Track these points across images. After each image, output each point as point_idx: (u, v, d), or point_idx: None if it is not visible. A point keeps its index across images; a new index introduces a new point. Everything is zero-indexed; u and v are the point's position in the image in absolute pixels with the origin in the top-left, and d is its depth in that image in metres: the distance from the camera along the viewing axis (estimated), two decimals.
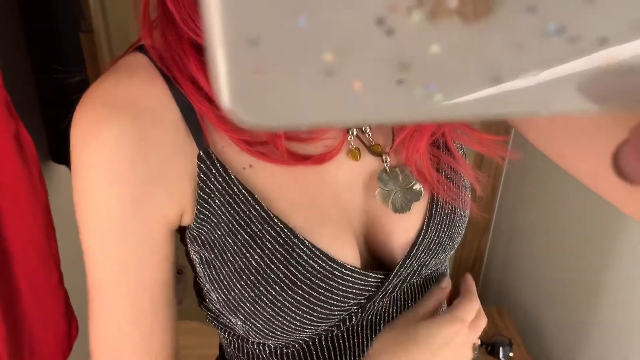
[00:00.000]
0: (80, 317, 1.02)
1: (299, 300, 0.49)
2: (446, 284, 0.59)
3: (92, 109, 0.43)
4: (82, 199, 0.45)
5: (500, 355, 1.55)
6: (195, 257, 0.51)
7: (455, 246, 0.59)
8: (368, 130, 0.52)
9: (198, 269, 0.52)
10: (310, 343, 0.55)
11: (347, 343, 0.56)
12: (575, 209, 1.44)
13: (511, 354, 1.56)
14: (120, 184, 0.43)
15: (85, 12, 1.14)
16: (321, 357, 0.56)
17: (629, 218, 1.12)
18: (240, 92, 0.15)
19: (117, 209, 0.44)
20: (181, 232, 0.51)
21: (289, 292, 0.48)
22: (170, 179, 0.45)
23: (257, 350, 0.57)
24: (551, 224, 1.59)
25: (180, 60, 0.43)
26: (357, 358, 0.57)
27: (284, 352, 0.56)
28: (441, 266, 0.62)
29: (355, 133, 0.51)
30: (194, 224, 0.48)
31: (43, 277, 0.84)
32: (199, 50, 0.43)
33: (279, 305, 0.49)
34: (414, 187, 0.53)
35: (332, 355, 0.56)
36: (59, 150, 1.20)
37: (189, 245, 0.51)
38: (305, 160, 0.48)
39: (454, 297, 0.57)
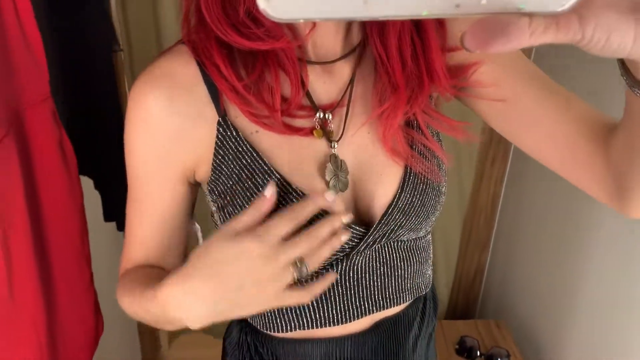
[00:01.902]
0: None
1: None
2: (269, 192, 0.56)
3: (142, 79, 0.60)
4: (126, 144, 0.62)
5: None
6: (214, 206, 0.65)
7: (430, 218, 0.68)
8: (330, 118, 0.63)
9: (216, 215, 0.66)
10: (303, 285, 0.64)
11: (336, 288, 0.67)
12: (574, 226, 1.49)
13: None
14: (149, 138, 0.60)
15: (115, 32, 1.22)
16: (314, 298, 0.66)
17: (629, 234, 1.19)
18: None
19: (145, 157, 0.61)
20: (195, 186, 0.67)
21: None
22: (193, 136, 0.60)
23: None
24: (549, 241, 1.65)
25: (208, 51, 0.58)
26: (342, 304, 0.68)
27: None
28: (419, 235, 0.71)
29: (321, 115, 0.63)
30: (211, 177, 0.63)
31: (76, 275, 0.90)
32: (221, 45, 0.58)
33: None
34: (343, 178, 0.64)
35: (322, 297, 0.67)
36: (83, 163, 1.27)
37: (209, 197, 0.65)
38: (297, 131, 0.61)
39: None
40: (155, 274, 0.66)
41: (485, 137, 1.81)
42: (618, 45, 0.29)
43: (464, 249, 2.06)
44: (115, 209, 1.30)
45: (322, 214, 0.59)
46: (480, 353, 1.66)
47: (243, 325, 0.75)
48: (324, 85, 0.64)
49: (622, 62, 0.39)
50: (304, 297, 0.57)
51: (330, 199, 0.57)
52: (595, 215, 1.37)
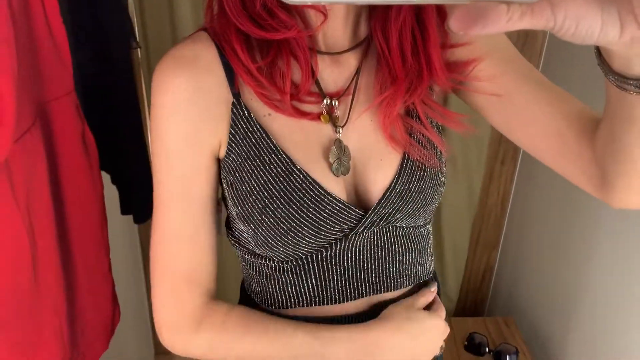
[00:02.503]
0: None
1: (293, 214, 0.64)
2: (434, 288, 0.78)
3: (165, 63, 0.63)
4: (154, 131, 0.64)
5: None
6: (224, 182, 0.68)
7: (428, 205, 0.72)
8: (336, 104, 0.67)
9: (225, 191, 0.69)
10: (304, 261, 0.69)
11: (334, 268, 0.70)
12: (582, 225, 1.50)
13: None
14: (180, 119, 0.62)
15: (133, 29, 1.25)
16: (312, 275, 0.70)
17: (634, 234, 1.20)
18: None
19: (176, 138, 0.63)
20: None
21: (286, 206, 0.64)
22: (214, 118, 0.64)
23: (264, 267, 0.72)
24: (557, 240, 1.66)
25: (227, 37, 0.63)
26: (340, 284, 0.71)
27: (284, 267, 0.70)
28: (417, 224, 0.75)
29: (328, 102, 0.67)
30: (225, 155, 0.66)
31: (95, 264, 0.93)
32: (239, 32, 0.62)
33: (279, 216, 0.64)
34: (346, 162, 0.67)
35: (321, 276, 0.70)
36: (100, 158, 1.29)
37: (222, 174, 0.68)
38: (305, 115, 0.66)
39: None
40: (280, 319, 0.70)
41: (494, 136, 1.82)
42: (586, 32, 0.32)
43: (473, 248, 2.07)
44: (132, 202, 1.33)
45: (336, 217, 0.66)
46: (488, 350, 1.67)
47: (247, 301, 0.79)
48: (332, 75, 0.68)
49: (598, 51, 0.42)
50: None
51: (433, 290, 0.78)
52: (604, 214, 1.38)
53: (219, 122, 0.65)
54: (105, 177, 1.33)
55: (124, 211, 1.32)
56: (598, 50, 0.42)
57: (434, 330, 0.72)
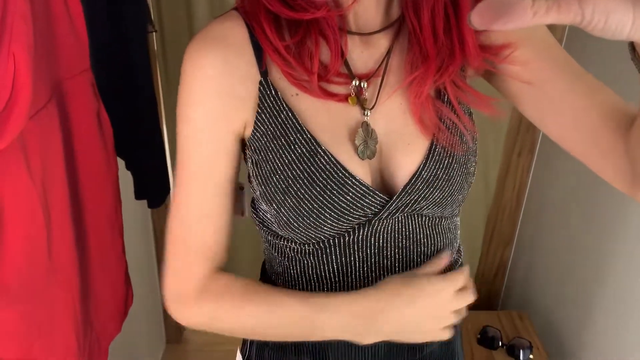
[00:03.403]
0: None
1: (316, 195, 0.63)
2: (446, 255, 0.72)
3: (196, 42, 0.63)
4: (181, 109, 0.64)
5: (521, 357, 1.60)
6: (249, 161, 0.68)
7: (455, 195, 0.70)
8: (365, 86, 0.66)
9: (250, 170, 0.68)
10: (326, 244, 0.68)
11: (356, 254, 0.69)
12: (596, 220, 1.48)
13: (531, 356, 1.60)
14: (208, 97, 0.62)
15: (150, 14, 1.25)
16: (334, 260, 0.69)
17: None
18: None
19: (204, 116, 0.63)
20: (242, 145, 0.68)
21: (309, 187, 0.63)
22: (241, 96, 0.63)
23: (286, 248, 0.71)
24: (574, 235, 1.63)
25: (256, 16, 0.62)
26: (363, 270, 0.69)
27: (306, 250, 0.69)
28: (444, 215, 0.72)
29: (357, 83, 0.65)
30: (251, 135, 0.66)
31: (110, 245, 0.93)
32: (268, 11, 0.62)
33: (301, 196, 0.64)
34: (372, 146, 0.66)
35: (343, 261, 0.69)
36: (115, 143, 1.30)
37: (247, 152, 0.68)
38: (332, 96, 0.64)
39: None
40: (278, 289, 0.69)
41: (512, 126, 1.80)
42: (617, 27, 0.30)
43: (487, 244, 2.06)
44: (147, 187, 1.33)
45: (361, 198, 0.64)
46: (502, 343, 1.66)
47: (268, 283, 0.77)
48: (362, 55, 0.66)
49: (632, 47, 0.41)
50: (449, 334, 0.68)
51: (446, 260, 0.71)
52: (622, 209, 1.35)
53: (246, 100, 0.64)
54: (120, 164, 1.33)
55: (139, 196, 1.32)
56: (632, 46, 0.41)
57: (438, 294, 0.65)
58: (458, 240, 0.79)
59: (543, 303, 1.82)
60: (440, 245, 0.73)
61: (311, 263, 0.70)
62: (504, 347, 1.65)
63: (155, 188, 1.32)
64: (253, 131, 0.65)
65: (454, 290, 0.66)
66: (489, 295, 2.15)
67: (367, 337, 0.66)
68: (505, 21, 0.30)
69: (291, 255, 0.71)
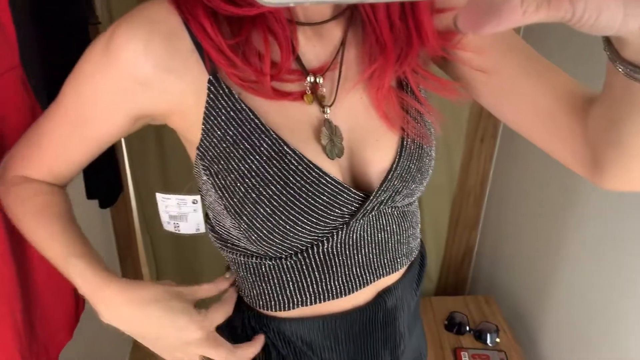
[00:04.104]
0: None
1: (291, 199, 0.58)
2: (230, 275, 0.72)
3: (119, 22, 0.55)
4: (78, 75, 0.58)
5: (488, 341, 1.61)
6: (205, 174, 0.61)
7: (424, 182, 0.68)
8: (321, 82, 0.61)
9: (208, 184, 0.61)
10: (305, 255, 0.64)
11: (336, 259, 0.65)
12: (561, 204, 1.49)
13: (497, 340, 1.62)
14: (114, 77, 0.55)
15: (93, 5, 1.19)
16: (315, 270, 0.65)
17: (612, 214, 1.19)
18: None
19: (104, 93, 0.57)
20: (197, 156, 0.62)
21: (283, 192, 0.58)
22: (171, 90, 0.56)
23: (260, 267, 0.66)
24: (537, 219, 1.65)
25: (193, 10, 0.55)
26: (345, 274, 0.66)
27: (283, 265, 0.65)
28: (411, 201, 0.71)
29: (312, 79, 0.61)
30: (202, 140, 0.59)
31: None
32: (206, 8, 0.55)
33: (275, 204, 0.58)
34: (339, 144, 0.62)
35: (324, 269, 0.65)
36: None
37: (200, 163, 0.60)
38: (286, 95, 0.59)
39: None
40: (74, 224, 0.67)
41: (473, 112, 1.79)
42: (607, 24, 0.30)
43: (453, 228, 2.06)
44: (98, 187, 1.28)
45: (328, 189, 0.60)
46: (469, 328, 1.66)
47: (244, 309, 0.72)
48: (314, 49, 0.62)
49: (606, 38, 0.40)
50: None
51: (228, 281, 0.70)
52: (583, 193, 1.36)
53: (179, 96, 0.57)
54: None
55: (89, 195, 1.27)
56: (607, 37, 0.40)
57: (180, 332, 0.62)
58: (419, 218, 0.78)
59: (509, 287, 1.83)
60: (411, 230, 0.73)
61: (291, 278, 0.66)
62: (471, 332, 1.66)
63: (106, 187, 1.27)
64: (205, 138, 0.59)
65: (202, 336, 0.63)
66: (457, 281, 2.16)
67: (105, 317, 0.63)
68: (496, 23, 0.29)
69: (266, 273, 0.66)
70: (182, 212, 0.66)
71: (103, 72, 0.56)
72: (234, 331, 0.74)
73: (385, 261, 0.69)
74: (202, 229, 0.68)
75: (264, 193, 0.58)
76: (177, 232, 0.67)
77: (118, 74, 0.55)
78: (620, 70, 0.41)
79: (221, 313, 0.67)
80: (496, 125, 1.83)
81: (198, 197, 0.66)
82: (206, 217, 0.68)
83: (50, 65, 1.06)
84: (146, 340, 0.62)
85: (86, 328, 1.14)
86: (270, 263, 0.65)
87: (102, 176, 1.26)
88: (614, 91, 0.48)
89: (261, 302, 0.69)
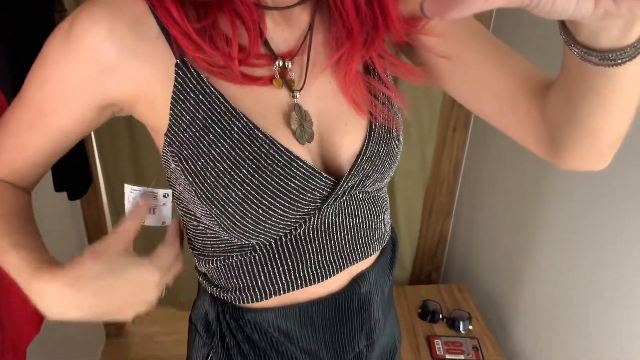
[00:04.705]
0: None
1: (263, 183, 0.58)
2: (165, 194, 0.66)
3: (83, 6, 0.54)
4: (49, 52, 0.56)
5: (460, 328, 1.63)
6: (173, 161, 0.60)
7: (393, 166, 0.69)
8: (289, 66, 0.61)
9: (177, 172, 0.60)
10: (276, 245, 0.64)
11: (308, 246, 0.65)
12: (532, 192, 1.51)
13: (470, 327, 1.64)
14: (79, 63, 0.54)
15: None
16: (286, 259, 0.65)
17: (584, 203, 1.21)
18: None
19: (69, 81, 0.55)
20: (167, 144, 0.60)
21: (255, 176, 0.58)
22: (136, 76, 0.56)
23: (230, 259, 0.66)
24: (508, 207, 1.67)
25: None
26: (317, 261, 0.66)
27: (255, 257, 0.65)
28: (381, 186, 0.72)
29: (281, 63, 0.61)
30: (170, 125, 0.58)
31: None
32: None
33: (247, 187, 0.58)
34: (309, 129, 0.62)
35: (297, 256, 0.65)
36: None
37: (168, 150, 0.59)
38: (255, 80, 0.59)
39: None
40: (24, 220, 0.63)
41: (446, 102, 1.80)
42: (562, 9, 0.33)
43: (426, 217, 2.08)
44: (66, 179, 1.26)
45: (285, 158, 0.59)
46: (442, 316, 1.68)
47: (217, 303, 0.71)
48: (282, 33, 0.62)
49: (562, 22, 0.43)
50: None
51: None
52: (555, 180, 1.39)
53: (145, 82, 0.56)
54: None
55: (57, 188, 1.24)
56: (562, 21, 0.43)
57: (141, 284, 0.59)
58: (389, 206, 0.79)
59: (481, 274, 1.86)
60: (381, 215, 0.73)
61: (262, 268, 0.65)
62: (444, 320, 1.68)
63: (74, 180, 1.24)
64: (173, 124, 0.58)
65: (160, 273, 0.61)
66: (431, 270, 2.19)
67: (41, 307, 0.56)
68: (461, 9, 0.30)
69: (239, 265, 0.66)
70: (150, 205, 0.65)
71: (66, 58, 0.54)
72: (208, 326, 0.74)
73: (358, 247, 0.70)
74: (168, 222, 0.68)
75: (236, 177, 0.57)
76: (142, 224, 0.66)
77: (82, 60, 0.54)
78: (575, 53, 0.44)
79: (170, 249, 0.64)
80: (468, 114, 1.85)
81: (169, 191, 0.66)
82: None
83: (15, 56, 1.03)
84: (108, 314, 0.57)
85: (58, 322, 1.12)
86: (243, 253, 0.65)
87: (70, 168, 1.24)
88: (570, 74, 0.50)
89: (235, 295, 0.68)
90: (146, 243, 0.68)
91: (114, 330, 2.14)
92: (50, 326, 1.06)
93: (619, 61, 0.43)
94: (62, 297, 0.53)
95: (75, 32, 0.53)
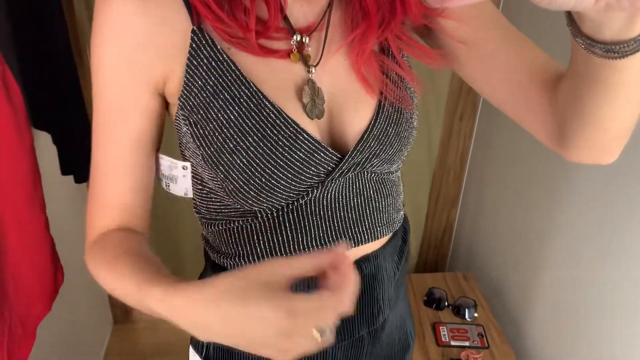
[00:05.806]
0: (65, 267, 1.05)
1: (267, 152, 0.59)
2: (343, 250, 0.47)
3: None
4: (94, 57, 0.58)
5: (466, 315, 1.64)
6: (184, 124, 0.61)
7: (404, 149, 0.69)
8: (307, 41, 0.62)
9: (188, 136, 0.61)
10: (278, 215, 0.64)
11: (310, 218, 0.65)
12: (537, 181, 1.51)
13: (476, 314, 1.64)
14: (122, 40, 0.56)
15: None
16: (288, 228, 0.65)
17: (591, 191, 1.20)
18: None
19: (119, 60, 0.57)
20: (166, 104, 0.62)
21: (260, 144, 0.58)
22: (163, 46, 0.57)
23: (234, 226, 0.67)
24: (516, 196, 1.66)
25: None
26: (319, 236, 0.66)
27: (257, 225, 0.65)
28: (391, 170, 0.71)
29: (299, 38, 0.61)
30: (182, 90, 0.59)
31: (29, 220, 0.87)
32: None
33: (252, 155, 0.58)
34: (320, 105, 0.63)
35: (298, 227, 0.65)
36: (39, 117, 1.22)
37: (180, 113, 0.60)
38: (272, 53, 0.60)
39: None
40: (143, 258, 0.57)
41: (453, 90, 1.80)
42: (562, 0, 0.33)
43: (433, 206, 2.08)
44: (73, 162, 1.26)
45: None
46: (448, 304, 1.68)
47: (218, 271, 0.67)
48: (302, 8, 0.63)
49: (568, 13, 0.44)
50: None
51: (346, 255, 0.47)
52: (562, 169, 1.38)
53: (168, 51, 0.57)
54: (47, 139, 1.25)
55: (64, 171, 1.25)
56: (569, 13, 0.43)
57: (260, 322, 0.43)
58: (402, 192, 0.78)
59: (487, 263, 1.86)
60: (390, 199, 0.73)
61: (264, 237, 0.66)
62: (450, 307, 1.68)
63: (81, 162, 1.25)
64: (185, 88, 0.59)
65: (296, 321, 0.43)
66: (437, 258, 2.19)
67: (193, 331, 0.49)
68: None
69: (241, 233, 0.67)
70: (172, 174, 0.66)
71: (111, 42, 0.56)
72: None
73: (364, 228, 0.69)
74: (190, 194, 0.69)
75: (241, 144, 0.58)
76: (167, 190, 0.68)
77: (124, 37, 0.56)
78: (580, 44, 0.45)
79: (335, 293, 0.45)
80: (475, 104, 1.84)
81: (188, 164, 0.66)
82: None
83: (25, 48, 1.03)
84: (234, 342, 0.46)
85: (65, 307, 1.13)
86: (245, 219, 0.65)
87: (77, 150, 1.24)
88: (577, 66, 0.51)
89: (235, 262, 0.69)
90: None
91: (121, 316, 2.15)
92: (58, 312, 1.06)
93: (623, 54, 0.43)
94: (195, 313, 0.46)
95: (108, 13, 0.55)
